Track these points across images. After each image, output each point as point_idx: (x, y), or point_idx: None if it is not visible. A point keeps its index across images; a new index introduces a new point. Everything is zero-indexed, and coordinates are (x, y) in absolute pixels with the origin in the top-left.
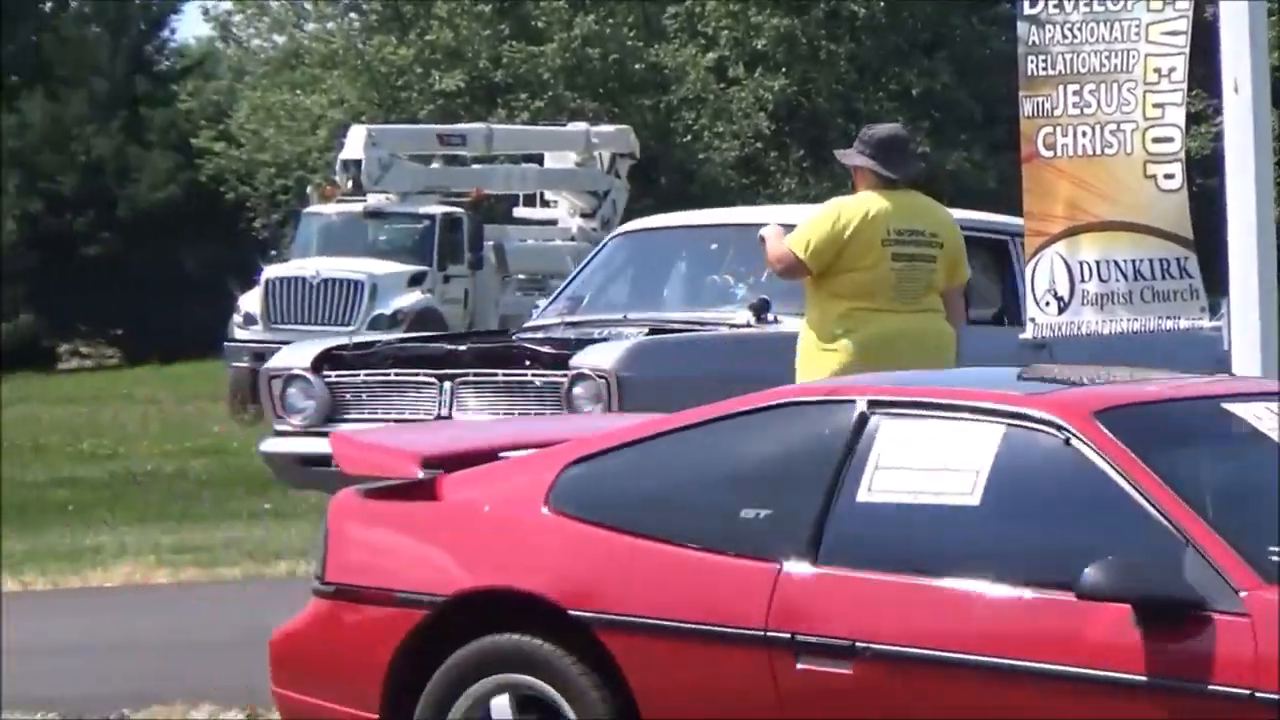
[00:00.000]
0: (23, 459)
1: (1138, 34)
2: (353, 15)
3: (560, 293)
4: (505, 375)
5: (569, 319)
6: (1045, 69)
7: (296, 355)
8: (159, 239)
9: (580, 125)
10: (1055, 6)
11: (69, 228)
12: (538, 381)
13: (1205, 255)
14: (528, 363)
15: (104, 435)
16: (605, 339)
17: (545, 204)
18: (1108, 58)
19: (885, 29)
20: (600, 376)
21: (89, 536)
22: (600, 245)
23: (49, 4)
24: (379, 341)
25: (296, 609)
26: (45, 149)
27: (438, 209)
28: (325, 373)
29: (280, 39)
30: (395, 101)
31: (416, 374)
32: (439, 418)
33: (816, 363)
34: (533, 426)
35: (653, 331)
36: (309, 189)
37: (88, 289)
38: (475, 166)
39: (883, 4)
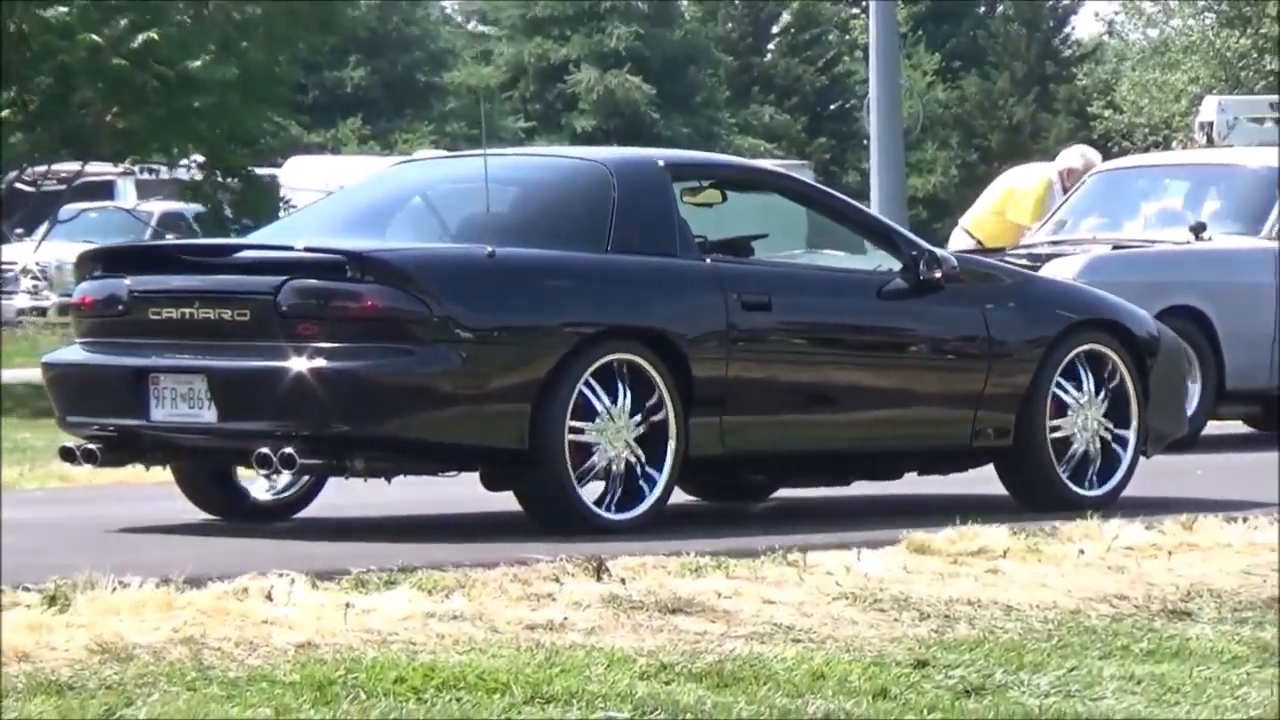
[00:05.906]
0: None
1: None
2: (1208, 14)
3: (1048, 219)
4: None
5: (1051, 239)
6: None
7: None
8: None
9: None
10: None
11: None
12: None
13: None
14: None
15: None
16: (1070, 254)
17: None
18: None
19: None
20: None
21: None
22: (1079, 183)
23: (983, 7)
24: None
25: None
26: (978, 115)
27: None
28: None
29: (1153, 33)
30: (1237, 81)
31: None
32: None
33: None
34: None
35: (1114, 248)
36: (1174, 144)
37: None
38: None
39: None
